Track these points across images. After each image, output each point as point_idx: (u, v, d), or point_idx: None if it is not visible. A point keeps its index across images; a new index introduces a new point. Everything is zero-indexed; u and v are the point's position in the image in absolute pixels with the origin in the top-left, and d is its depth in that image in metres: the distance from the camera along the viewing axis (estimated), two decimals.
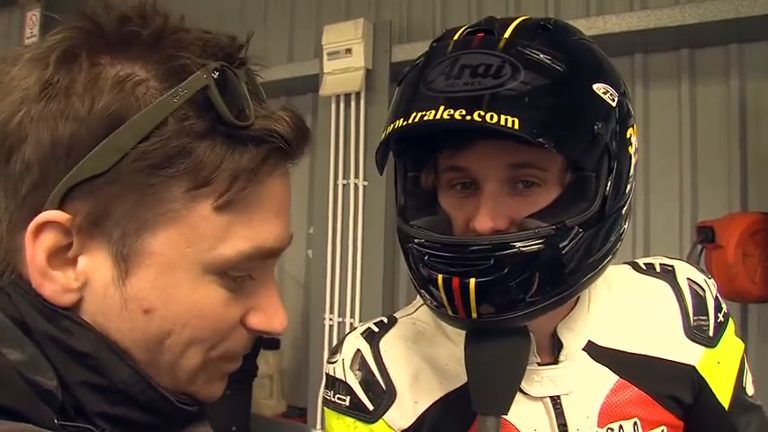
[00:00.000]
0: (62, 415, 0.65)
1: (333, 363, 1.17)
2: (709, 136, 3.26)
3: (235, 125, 0.67)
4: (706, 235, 2.84)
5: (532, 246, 0.92)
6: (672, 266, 1.18)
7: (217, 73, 0.68)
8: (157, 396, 0.70)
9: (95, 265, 0.67)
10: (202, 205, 0.68)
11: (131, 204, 0.65)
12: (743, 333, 3.09)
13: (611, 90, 0.97)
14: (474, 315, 0.95)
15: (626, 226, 1.05)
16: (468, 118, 0.88)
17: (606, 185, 0.96)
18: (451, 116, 0.89)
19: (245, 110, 0.69)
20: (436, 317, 1.03)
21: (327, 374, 1.18)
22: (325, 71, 3.99)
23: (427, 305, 1.03)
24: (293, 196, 3.02)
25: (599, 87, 0.95)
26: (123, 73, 0.66)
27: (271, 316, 0.77)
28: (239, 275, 0.73)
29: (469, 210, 0.99)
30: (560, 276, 0.95)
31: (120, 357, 0.68)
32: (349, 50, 3.88)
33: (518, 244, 0.92)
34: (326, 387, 1.17)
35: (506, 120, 0.87)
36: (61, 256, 0.67)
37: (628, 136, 1.00)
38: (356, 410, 1.12)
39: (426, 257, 0.97)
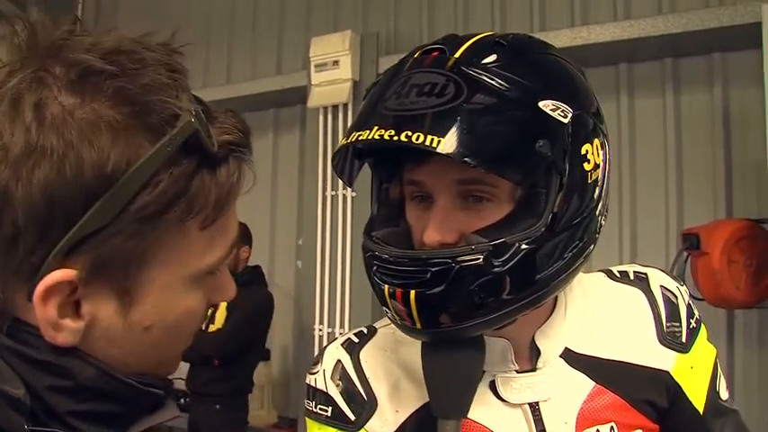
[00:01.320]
0: (33, 420, 0.66)
1: (314, 374, 1.18)
2: (694, 143, 3.30)
3: (215, 155, 0.70)
4: (691, 242, 2.86)
5: (469, 261, 0.93)
6: (645, 274, 1.20)
7: (195, 112, 0.69)
8: (120, 384, 0.72)
9: (100, 303, 0.69)
10: (192, 230, 0.70)
11: (133, 248, 0.67)
12: (729, 339, 3.11)
13: (563, 106, 0.97)
14: (419, 326, 0.97)
15: (597, 233, 1.05)
16: (396, 138, 0.90)
17: (555, 202, 0.96)
18: (381, 136, 0.91)
19: (212, 135, 0.70)
20: (396, 327, 1.05)
21: (309, 385, 1.18)
22: (312, 83, 4.02)
23: (387, 317, 1.04)
24: (282, 207, 3.04)
25: (546, 104, 0.95)
26: (105, 123, 0.64)
27: (226, 289, 0.81)
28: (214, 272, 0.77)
29: (424, 222, 1.01)
30: (501, 291, 0.95)
31: (81, 359, 0.70)
32: (336, 62, 3.91)
33: (456, 259, 0.94)
34: (308, 398, 1.18)
35: (432, 140, 0.89)
36: (68, 306, 0.68)
37: (583, 152, 0.99)
38: (338, 421, 1.13)
39: (374, 268, 1.00)
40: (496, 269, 0.94)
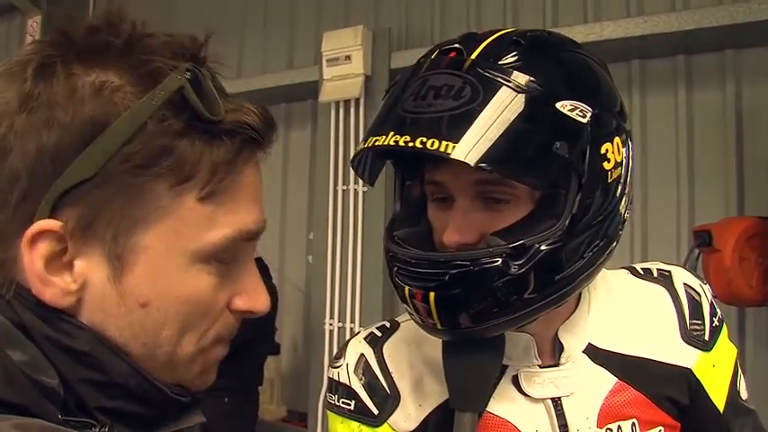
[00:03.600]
0: (64, 411, 0.67)
1: (337, 367, 1.19)
2: (706, 141, 3.29)
3: (210, 120, 0.70)
4: (703, 239, 2.86)
5: (487, 264, 0.94)
6: (669, 272, 1.20)
7: (189, 73, 0.70)
8: (152, 388, 0.73)
9: (91, 266, 0.70)
10: (187, 198, 0.70)
11: (121, 205, 0.68)
12: (740, 337, 3.11)
13: (582, 106, 0.96)
14: (439, 326, 0.99)
15: (620, 230, 1.05)
16: (411, 144, 0.91)
17: (574, 203, 0.97)
18: (396, 142, 0.92)
19: (216, 105, 0.71)
20: (417, 325, 1.05)
21: (331, 379, 1.19)
22: (324, 78, 4.02)
23: (408, 314, 1.05)
24: (293, 202, 3.05)
25: (564, 105, 0.95)
26: (99, 81, 0.68)
27: (254, 297, 0.80)
28: (225, 259, 0.76)
29: (444, 223, 1.01)
30: (522, 292, 0.96)
31: (115, 354, 0.71)
32: (348, 57, 3.91)
33: (474, 261, 0.94)
34: (330, 391, 1.19)
35: (447, 146, 0.89)
36: (58, 262, 0.69)
37: (603, 151, 0.98)
38: (361, 414, 1.14)
39: (396, 269, 1.01)
40: (515, 271, 0.94)
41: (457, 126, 0.91)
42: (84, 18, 0.72)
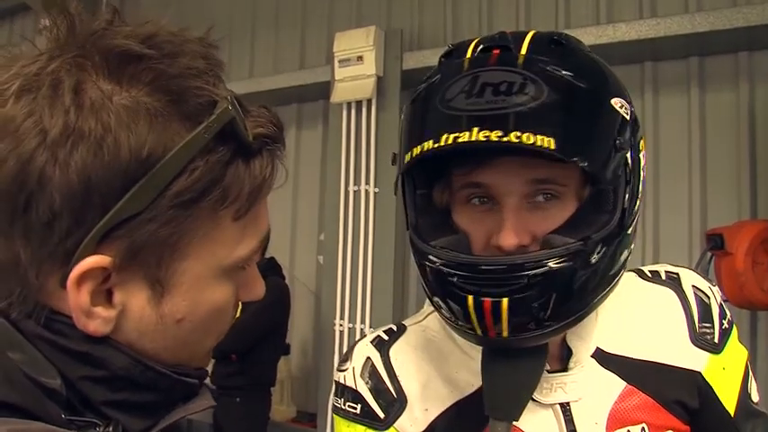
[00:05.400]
0: (68, 410, 0.67)
1: (343, 371, 1.18)
2: (719, 143, 3.27)
3: (250, 145, 0.70)
4: (715, 242, 2.85)
5: (563, 263, 0.92)
6: (677, 274, 1.19)
7: (230, 100, 0.69)
8: (155, 374, 0.73)
9: (132, 292, 0.69)
10: (225, 219, 0.71)
11: (167, 235, 0.67)
12: (752, 340, 3.09)
13: (625, 103, 0.98)
14: (505, 334, 0.95)
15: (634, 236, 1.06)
16: (505, 139, 0.87)
17: (624, 198, 0.96)
18: (487, 138, 0.88)
19: (247, 126, 0.71)
20: (455, 333, 1.03)
21: (337, 382, 1.18)
22: (336, 78, 4.03)
23: (448, 323, 1.02)
24: (304, 203, 3.05)
25: (616, 102, 0.96)
26: (144, 109, 0.65)
27: (254, 287, 0.82)
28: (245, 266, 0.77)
29: (489, 226, 0.98)
30: (585, 292, 0.95)
31: (114, 348, 0.70)
32: (360, 58, 3.91)
33: (550, 261, 0.92)
34: (336, 395, 1.18)
35: (543, 140, 0.87)
36: (100, 293, 0.68)
37: (641, 148, 1.01)
38: (367, 418, 1.13)
39: (455, 279, 0.95)
40: (588, 267, 0.93)
41: (541, 121, 0.89)
42: (97, 19, 0.69)
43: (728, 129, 3.24)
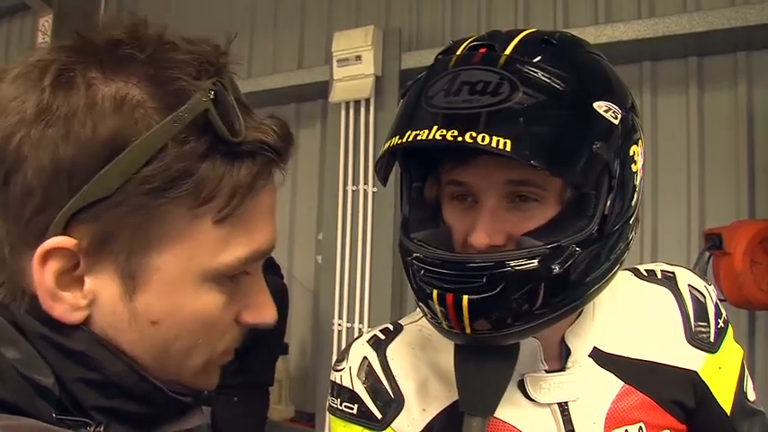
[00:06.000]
0: (59, 410, 0.67)
1: (339, 371, 1.17)
2: (717, 143, 3.27)
3: (231, 142, 0.69)
4: (713, 242, 2.85)
5: (526, 265, 0.92)
6: (673, 273, 1.19)
7: (212, 93, 0.69)
8: (150, 387, 0.72)
9: (102, 283, 0.69)
10: (203, 220, 0.69)
11: (136, 225, 0.67)
12: (750, 340, 3.09)
13: (614, 107, 0.96)
14: (468, 330, 0.96)
15: (632, 235, 1.05)
16: (460, 139, 0.88)
17: (605, 204, 0.95)
18: (443, 136, 0.89)
19: (237, 124, 0.70)
20: (434, 329, 1.04)
21: (333, 382, 1.18)
22: (334, 78, 4.03)
23: (426, 318, 1.03)
24: (302, 202, 3.04)
25: (600, 105, 0.94)
26: (120, 94, 0.66)
27: (261, 311, 0.80)
28: (235, 276, 0.75)
29: (468, 223, 0.99)
30: (555, 295, 0.95)
31: (112, 353, 0.70)
32: (359, 57, 3.91)
33: (511, 263, 0.92)
34: (333, 395, 1.17)
35: (498, 141, 0.87)
36: (68, 277, 0.68)
37: (631, 153, 0.98)
38: (364, 419, 1.12)
39: (422, 272, 0.97)
40: (553, 272, 0.92)
41: (504, 122, 0.89)
42: (102, 21, 0.71)
43: (727, 128, 3.24)
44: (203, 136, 0.68)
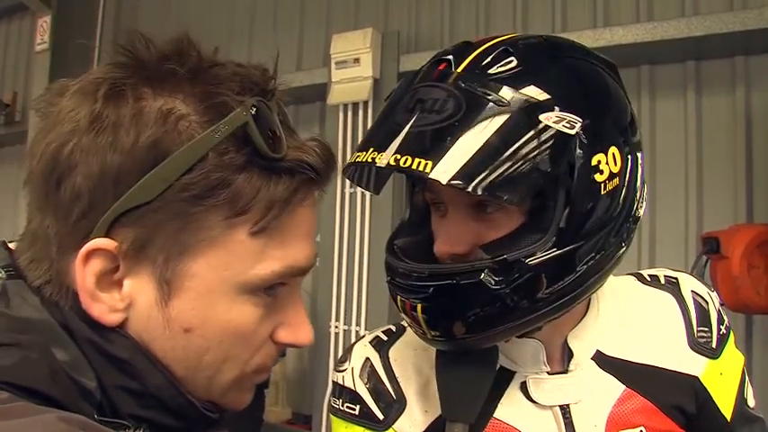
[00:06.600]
0: (99, 413, 0.69)
1: (341, 371, 1.18)
2: (715, 147, 3.27)
3: (270, 157, 0.72)
4: (711, 246, 2.85)
5: (468, 279, 0.93)
6: (676, 278, 1.20)
7: (254, 109, 0.72)
8: (186, 402, 0.75)
9: (140, 287, 0.72)
10: (239, 231, 0.72)
11: (174, 231, 0.70)
12: (747, 344, 3.09)
13: (570, 116, 0.93)
14: (429, 336, 0.99)
15: (624, 246, 1.03)
16: (384, 163, 0.90)
17: (561, 217, 0.94)
18: (373, 159, 0.92)
19: (279, 142, 0.73)
20: None
21: (336, 383, 1.18)
22: (333, 80, 4.02)
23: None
24: None
25: (548, 117, 0.92)
26: (166, 108, 0.70)
27: (297, 330, 0.82)
28: (271, 291, 0.77)
29: (439, 232, 1.01)
30: (506, 307, 0.94)
31: (153, 365, 0.73)
32: (357, 60, 3.91)
33: (455, 276, 0.94)
34: (334, 395, 1.18)
35: (420, 163, 0.88)
36: (108, 279, 0.71)
37: (594, 162, 0.95)
38: (366, 420, 1.13)
39: (389, 279, 1.02)
40: (497, 286, 0.93)
41: (435, 142, 0.90)
42: (151, 38, 0.75)
43: (725, 132, 3.24)
44: (243, 149, 0.71)
